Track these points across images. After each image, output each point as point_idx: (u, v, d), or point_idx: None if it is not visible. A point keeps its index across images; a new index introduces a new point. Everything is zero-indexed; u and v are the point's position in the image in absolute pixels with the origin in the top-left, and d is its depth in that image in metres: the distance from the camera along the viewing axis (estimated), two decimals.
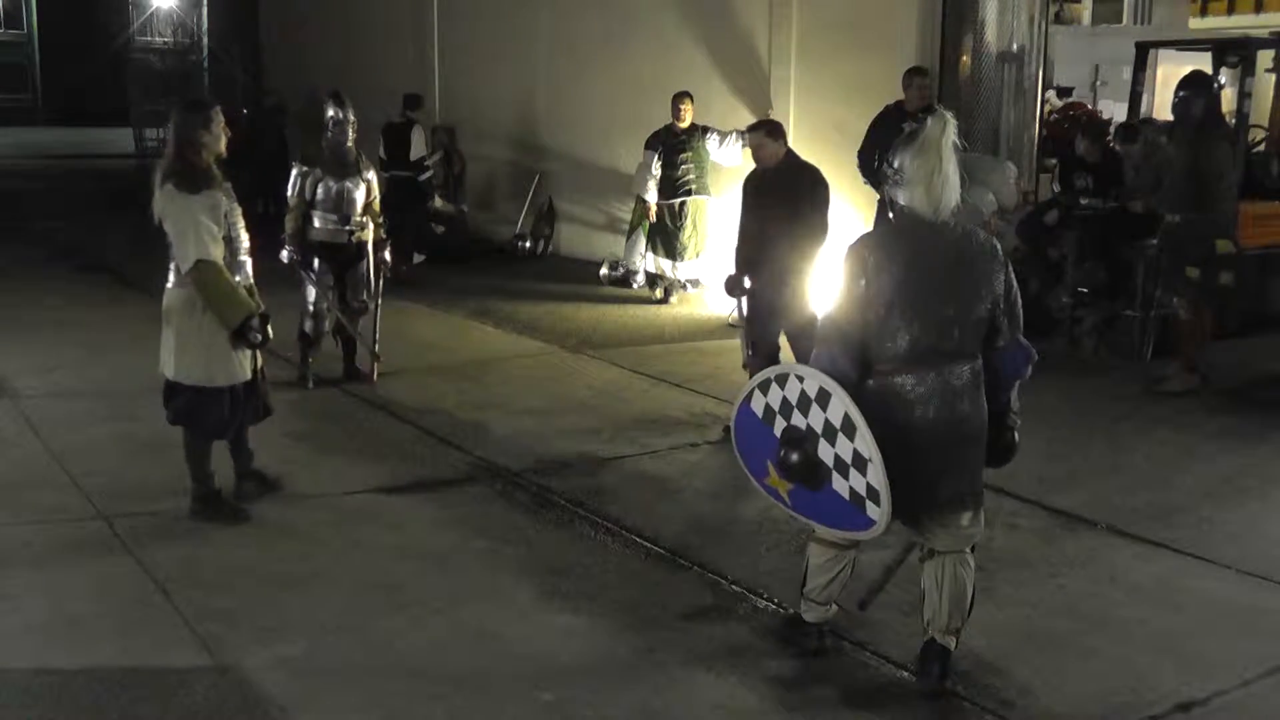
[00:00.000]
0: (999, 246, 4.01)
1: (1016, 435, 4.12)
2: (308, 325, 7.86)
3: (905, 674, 4.20)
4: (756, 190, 6.76)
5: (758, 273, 6.63)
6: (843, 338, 3.91)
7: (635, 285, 11.39)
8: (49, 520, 5.49)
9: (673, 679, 4.17)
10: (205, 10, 31.28)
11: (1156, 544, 5.40)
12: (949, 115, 3.85)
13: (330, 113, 7.82)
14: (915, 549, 4.21)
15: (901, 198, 3.90)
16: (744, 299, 6.79)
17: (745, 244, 6.77)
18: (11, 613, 4.56)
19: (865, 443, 3.77)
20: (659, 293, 11.06)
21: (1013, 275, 3.99)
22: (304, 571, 5.01)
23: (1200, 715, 3.99)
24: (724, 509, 5.86)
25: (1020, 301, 4.01)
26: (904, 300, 3.82)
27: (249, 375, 5.47)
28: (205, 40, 28.82)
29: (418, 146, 12.16)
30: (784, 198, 6.51)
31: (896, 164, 3.89)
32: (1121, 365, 8.57)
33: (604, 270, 11.80)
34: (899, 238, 3.93)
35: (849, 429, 3.79)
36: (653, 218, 10.92)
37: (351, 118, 7.81)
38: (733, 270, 6.80)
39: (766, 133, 6.68)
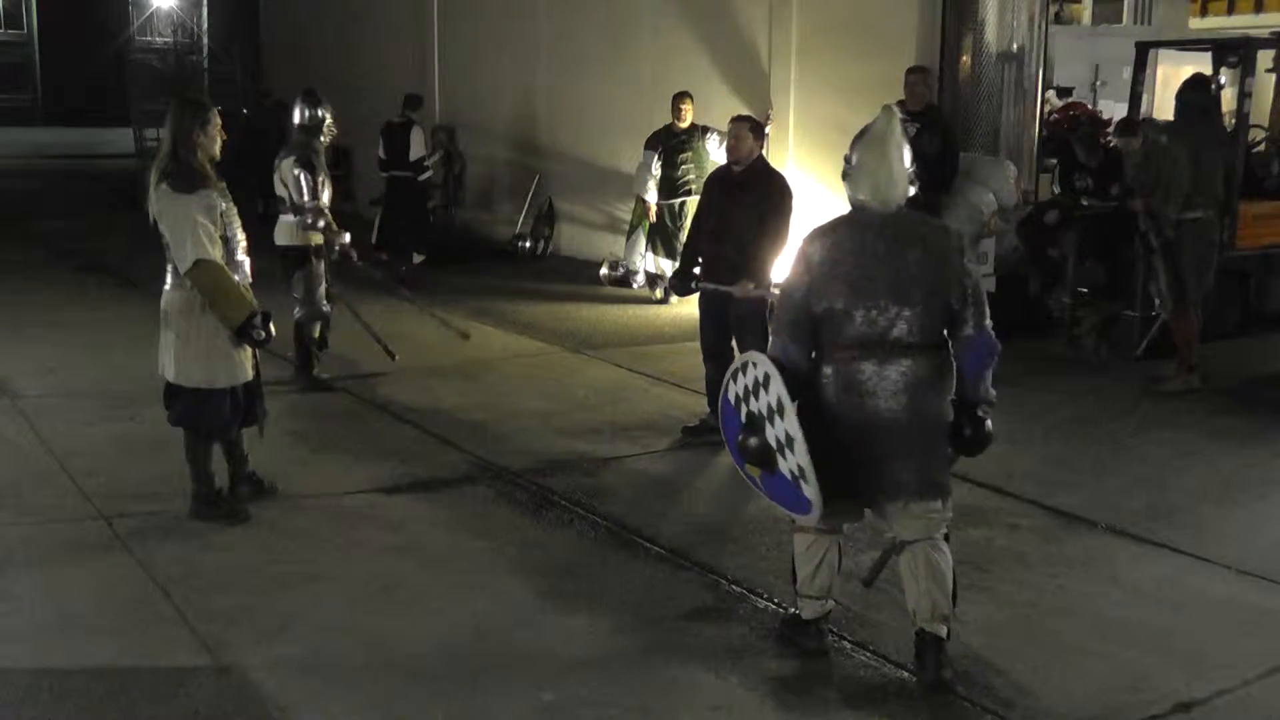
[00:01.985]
0: (955, 238, 4.10)
1: (989, 425, 4.10)
2: (316, 330, 7.85)
3: (905, 674, 4.19)
4: (720, 189, 6.73)
5: (710, 273, 6.66)
6: (791, 326, 4.09)
7: (635, 285, 11.39)
8: (49, 520, 5.49)
9: (673, 679, 4.17)
10: (205, 10, 31.29)
11: (1156, 544, 5.40)
12: (896, 109, 4.07)
13: (319, 113, 7.79)
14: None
15: (851, 190, 4.09)
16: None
17: (697, 240, 6.85)
18: (12, 613, 4.56)
19: (791, 423, 3.92)
20: (659, 293, 11.06)
21: (970, 266, 4.03)
22: (304, 571, 5.01)
23: (1200, 715, 3.99)
24: (724, 509, 5.85)
25: (983, 292, 4.05)
26: (849, 289, 3.97)
27: (250, 375, 5.48)
28: (205, 40, 28.82)
29: (417, 146, 12.15)
30: (748, 201, 6.49)
31: (849, 157, 4.08)
32: (1121, 365, 8.57)
33: (604, 270, 11.78)
34: (847, 228, 4.09)
35: (780, 410, 3.96)
36: (653, 218, 10.93)
37: (331, 116, 7.85)
38: (680, 268, 6.98)
39: (751, 128, 6.68)
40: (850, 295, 3.96)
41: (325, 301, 7.81)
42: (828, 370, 4.04)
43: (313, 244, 7.72)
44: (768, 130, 9.78)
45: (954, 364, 4.06)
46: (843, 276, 3.97)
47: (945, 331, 4.04)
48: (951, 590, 4.12)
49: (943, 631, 4.10)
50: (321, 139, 7.82)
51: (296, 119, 7.86)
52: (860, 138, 4.09)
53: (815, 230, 4.18)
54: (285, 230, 7.75)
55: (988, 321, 4.02)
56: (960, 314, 3.99)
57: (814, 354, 4.11)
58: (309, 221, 7.64)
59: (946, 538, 4.16)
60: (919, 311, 3.95)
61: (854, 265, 3.97)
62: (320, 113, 7.80)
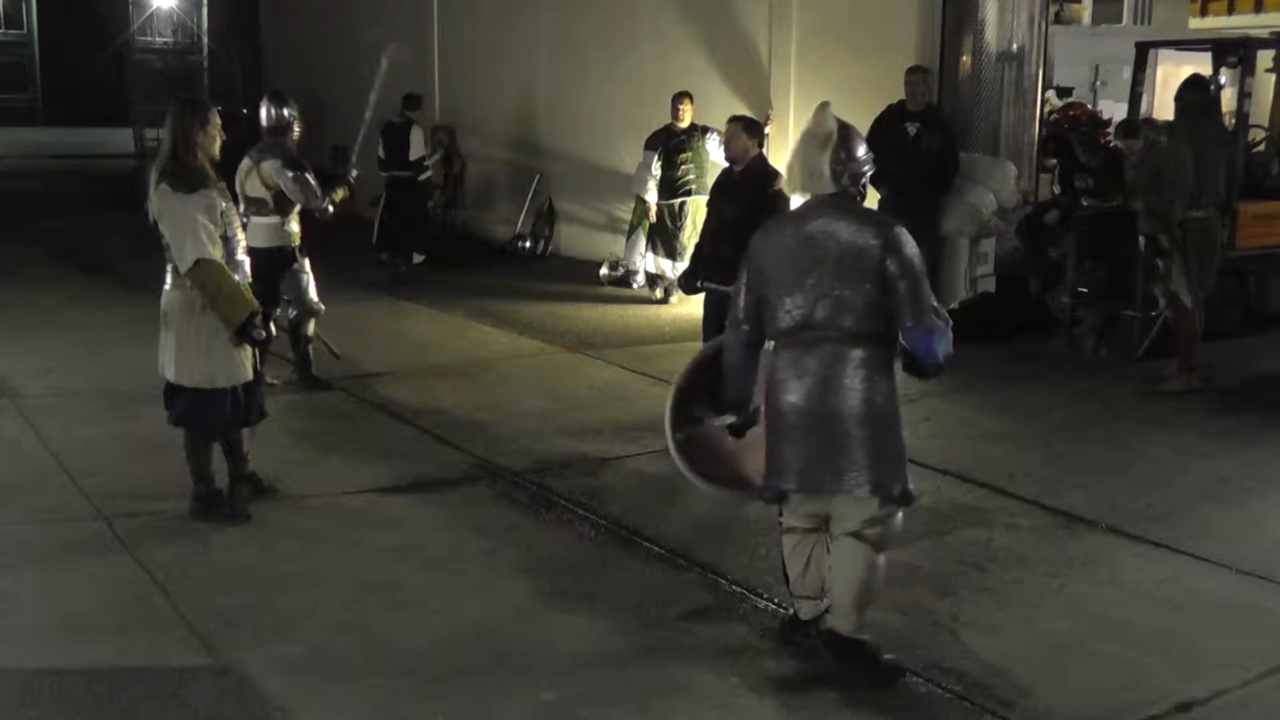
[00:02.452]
0: (888, 234, 3.96)
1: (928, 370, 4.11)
2: (311, 327, 7.84)
3: (905, 674, 4.19)
4: (720, 190, 6.79)
5: (711, 272, 6.67)
6: (733, 317, 4.30)
7: (635, 285, 11.40)
8: (49, 520, 5.49)
9: (673, 679, 4.17)
10: (205, 10, 31.27)
11: (1156, 544, 5.40)
12: (829, 107, 4.16)
13: (285, 113, 7.73)
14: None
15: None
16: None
17: (704, 241, 6.90)
18: (11, 613, 4.56)
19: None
20: (659, 293, 11.07)
21: (911, 259, 3.97)
22: (304, 571, 5.01)
23: (1200, 715, 3.99)
24: (724, 509, 5.84)
25: (922, 285, 3.98)
26: (776, 280, 4.10)
27: (250, 375, 5.48)
28: (205, 40, 28.82)
29: (417, 146, 12.15)
30: (743, 200, 6.50)
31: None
32: (1121, 365, 8.57)
33: (604, 270, 11.80)
34: (781, 222, 4.29)
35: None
36: (653, 218, 10.93)
37: (298, 114, 7.85)
38: (689, 267, 7.07)
39: (743, 126, 6.65)
40: (780, 285, 4.08)
41: (317, 299, 7.78)
42: (770, 358, 4.19)
43: (295, 243, 7.66)
44: (767, 130, 9.78)
45: (894, 355, 4.08)
46: (775, 267, 4.10)
47: (889, 323, 4.01)
48: (858, 591, 4.09)
49: (841, 627, 4.14)
50: (293, 137, 7.77)
51: (264, 121, 7.78)
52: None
53: (761, 227, 4.33)
54: (266, 232, 7.51)
55: (928, 316, 3.96)
56: (892, 306, 3.97)
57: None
58: (326, 209, 7.61)
59: (879, 547, 4.09)
60: (848, 301, 3.98)
61: (782, 256, 4.09)
62: (287, 113, 7.74)
